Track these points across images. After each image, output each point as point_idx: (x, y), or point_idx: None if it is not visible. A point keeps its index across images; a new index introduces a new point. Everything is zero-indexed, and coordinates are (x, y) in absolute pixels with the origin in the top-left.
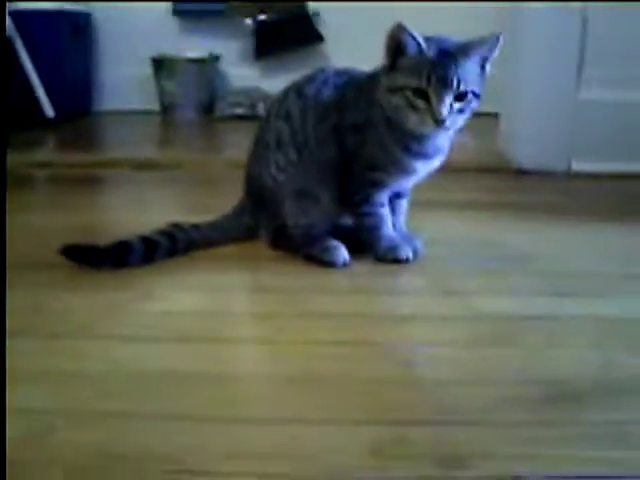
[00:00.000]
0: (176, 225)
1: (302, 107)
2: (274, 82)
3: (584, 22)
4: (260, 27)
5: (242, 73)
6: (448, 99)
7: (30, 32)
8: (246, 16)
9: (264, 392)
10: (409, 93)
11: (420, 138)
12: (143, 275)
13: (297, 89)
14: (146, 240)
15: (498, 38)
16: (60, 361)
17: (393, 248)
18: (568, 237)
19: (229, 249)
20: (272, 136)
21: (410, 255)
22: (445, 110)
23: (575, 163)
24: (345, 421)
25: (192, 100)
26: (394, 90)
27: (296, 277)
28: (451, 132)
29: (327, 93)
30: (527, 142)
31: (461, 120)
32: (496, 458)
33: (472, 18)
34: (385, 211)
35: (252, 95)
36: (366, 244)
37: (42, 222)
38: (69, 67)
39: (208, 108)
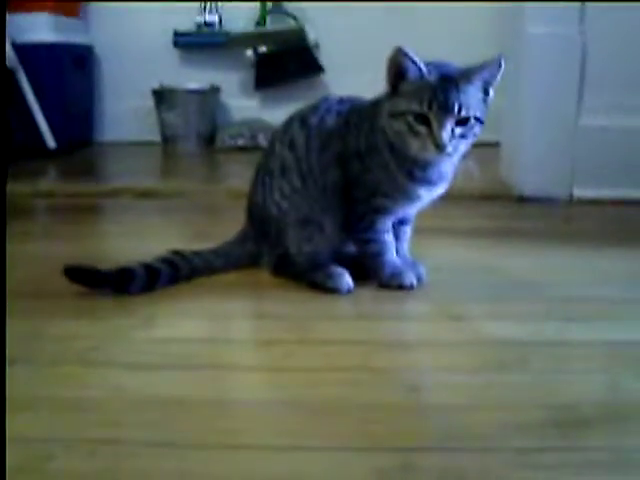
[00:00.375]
0: (177, 252)
1: (306, 136)
2: (275, 113)
3: (584, 49)
4: (260, 59)
5: (243, 104)
6: (450, 124)
7: (32, 64)
8: (246, 48)
9: (266, 419)
10: (410, 118)
11: (424, 165)
12: (145, 302)
13: (301, 118)
14: (148, 267)
15: (500, 62)
16: (60, 389)
17: (397, 274)
18: (572, 262)
19: (231, 276)
20: (276, 164)
21: (414, 281)
22: (446, 135)
23: (577, 190)
24: (349, 448)
25: (193, 131)
26: (396, 115)
27: (299, 304)
28: (455, 158)
29: (330, 121)
30: (529, 169)
31: (463, 146)
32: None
33: (472, 46)
34: (389, 238)
35: (253, 126)
36: (370, 271)
37: (43, 251)
38: (71, 99)
39: (209, 139)
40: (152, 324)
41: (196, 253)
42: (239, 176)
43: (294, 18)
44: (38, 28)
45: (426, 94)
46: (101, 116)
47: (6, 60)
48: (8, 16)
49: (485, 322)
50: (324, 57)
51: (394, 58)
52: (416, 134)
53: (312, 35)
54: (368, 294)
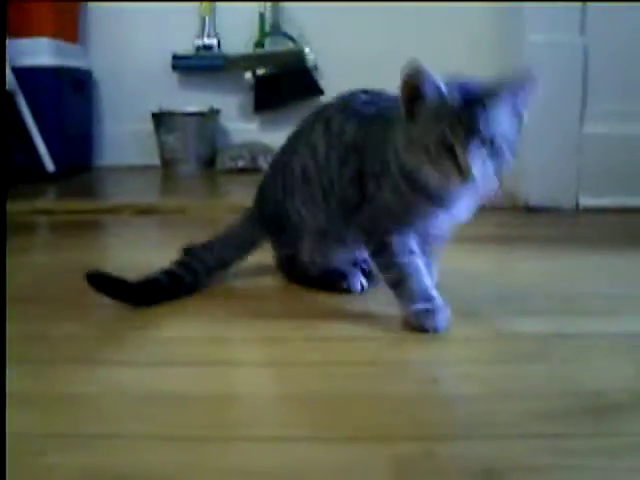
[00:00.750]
0: (189, 251)
1: (327, 143)
2: (274, 135)
3: (585, 57)
4: (259, 81)
5: (242, 127)
6: (477, 151)
7: (32, 88)
8: (245, 70)
9: (278, 412)
10: (431, 147)
11: (446, 196)
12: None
13: (325, 120)
14: (170, 274)
15: (534, 76)
16: (55, 386)
17: (422, 313)
18: (582, 265)
19: (235, 277)
20: (298, 167)
21: (443, 324)
22: (474, 164)
23: (582, 198)
24: (366, 438)
25: (193, 154)
26: (413, 144)
27: (308, 303)
28: (482, 191)
29: (351, 129)
30: (534, 179)
31: (494, 176)
32: (533, 470)
33: (473, 56)
34: (415, 260)
35: (253, 149)
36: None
37: (42, 261)
38: (70, 123)
39: (209, 162)
40: (153, 325)
41: (206, 247)
42: (240, 193)
43: (293, 40)
44: (38, 52)
45: (448, 118)
46: (100, 140)
47: (6, 84)
48: (8, 40)
49: (501, 318)
50: (323, 79)
51: (410, 78)
52: (439, 165)
53: (311, 57)
54: (380, 292)
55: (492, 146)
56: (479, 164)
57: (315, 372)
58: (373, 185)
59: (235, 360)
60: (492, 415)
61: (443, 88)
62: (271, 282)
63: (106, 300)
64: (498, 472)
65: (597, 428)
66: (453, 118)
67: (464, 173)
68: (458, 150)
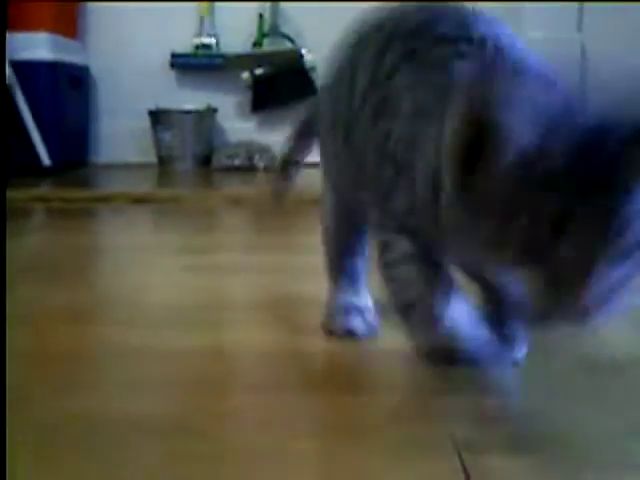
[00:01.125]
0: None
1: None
2: (271, 135)
3: (583, 53)
4: (257, 81)
5: (239, 126)
6: (602, 270)
7: (29, 82)
8: (243, 70)
9: (270, 364)
10: (512, 252)
11: None
12: (135, 273)
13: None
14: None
15: None
16: (45, 343)
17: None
18: None
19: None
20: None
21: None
22: (599, 297)
23: None
24: (357, 389)
25: (189, 152)
26: (471, 232)
27: (298, 285)
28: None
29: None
30: None
31: (622, 297)
32: (528, 415)
33: None
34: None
35: (249, 148)
36: None
37: (38, 241)
38: (67, 119)
39: (205, 160)
40: (139, 292)
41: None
42: (234, 186)
43: (291, 41)
44: (36, 46)
45: (555, 201)
46: (97, 137)
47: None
48: (7, 34)
49: None
50: (321, 80)
51: (472, 113)
52: (524, 284)
53: (309, 58)
54: None
55: (627, 251)
56: (606, 294)
57: (313, 336)
58: (389, 172)
59: (230, 320)
60: (493, 374)
61: (539, 135)
62: (264, 244)
63: (97, 272)
64: (491, 419)
65: (594, 382)
66: (566, 204)
67: (579, 311)
68: (568, 269)
